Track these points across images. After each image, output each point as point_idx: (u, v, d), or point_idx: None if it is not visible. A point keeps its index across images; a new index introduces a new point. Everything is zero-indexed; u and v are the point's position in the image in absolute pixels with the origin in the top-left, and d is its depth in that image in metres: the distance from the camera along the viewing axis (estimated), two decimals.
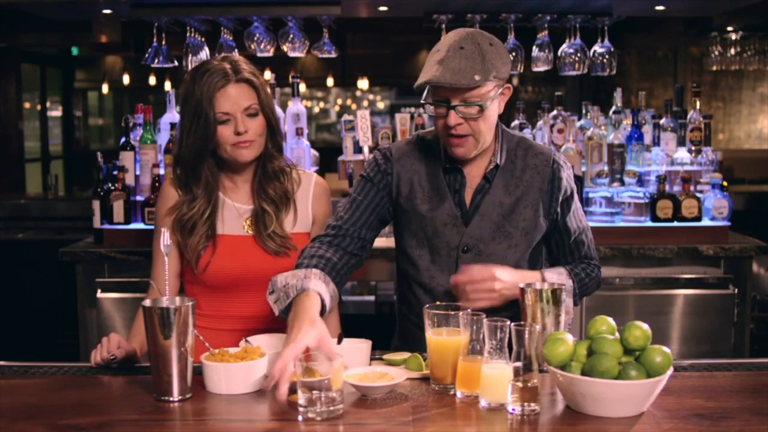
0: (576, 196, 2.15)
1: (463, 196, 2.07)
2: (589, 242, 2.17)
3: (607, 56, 3.86)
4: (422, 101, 1.99)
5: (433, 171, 2.08)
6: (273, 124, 2.11)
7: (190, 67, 3.84)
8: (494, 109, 1.99)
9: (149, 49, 3.88)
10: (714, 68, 7.44)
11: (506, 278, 1.95)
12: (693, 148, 3.65)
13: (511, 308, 2.01)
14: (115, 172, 3.56)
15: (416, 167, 2.09)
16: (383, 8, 3.99)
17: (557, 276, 2.05)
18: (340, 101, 10.84)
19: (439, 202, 2.06)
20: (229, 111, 2.03)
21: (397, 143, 2.17)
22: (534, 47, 3.90)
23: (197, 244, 2.09)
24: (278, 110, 3.43)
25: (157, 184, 3.49)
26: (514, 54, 3.82)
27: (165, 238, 1.82)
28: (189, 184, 2.12)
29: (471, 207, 2.07)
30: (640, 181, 3.59)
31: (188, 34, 3.90)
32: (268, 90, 2.13)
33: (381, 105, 10.82)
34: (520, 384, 1.57)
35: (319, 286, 1.86)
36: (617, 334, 1.65)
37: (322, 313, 1.84)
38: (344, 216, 2.07)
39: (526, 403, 1.57)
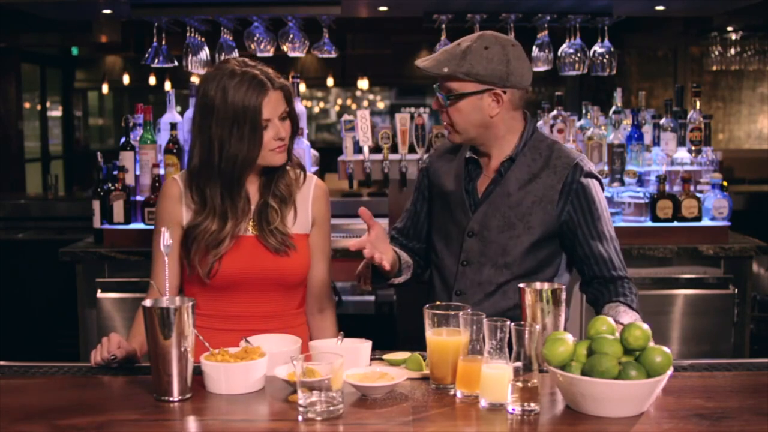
0: (599, 205, 2.14)
1: (476, 185, 2.20)
2: (618, 260, 2.14)
3: (607, 56, 3.86)
4: (435, 85, 2.19)
5: (459, 160, 2.24)
6: (297, 126, 2.14)
7: (190, 67, 3.85)
8: (472, 106, 2.10)
9: (149, 49, 3.87)
10: (714, 68, 7.43)
11: None
12: (693, 148, 3.65)
13: (512, 308, 2.02)
14: (115, 172, 3.56)
15: (449, 158, 2.30)
16: (383, 8, 3.99)
17: (628, 317, 1.99)
18: (340, 101, 10.85)
19: (457, 188, 2.22)
20: (269, 117, 2.04)
21: (444, 141, 2.41)
22: (534, 47, 3.90)
23: (216, 254, 2.07)
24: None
25: (157, 184, 3.49)
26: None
27: (165, 238, 1.82)
28: (232, 196, 2.06)
29: (482, 195, 2.19)
30: (640, 181, 3.59)
31: (188, 34, 3.89)
32: None
33: (381, 105, 10.83)
34: (520, 384, 1.57)
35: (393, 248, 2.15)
36: (617, 334, 1.65)
37: (399, 270, 2.17)
38: (399, 226, 2.39)
39: (526, 403, 1.57)
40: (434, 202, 2.30)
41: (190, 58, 3.85)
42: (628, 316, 2.01)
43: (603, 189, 2.20)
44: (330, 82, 9.37)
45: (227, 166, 2.03)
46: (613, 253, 2.14)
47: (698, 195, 3.54)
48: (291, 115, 2.11)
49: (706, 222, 3.54)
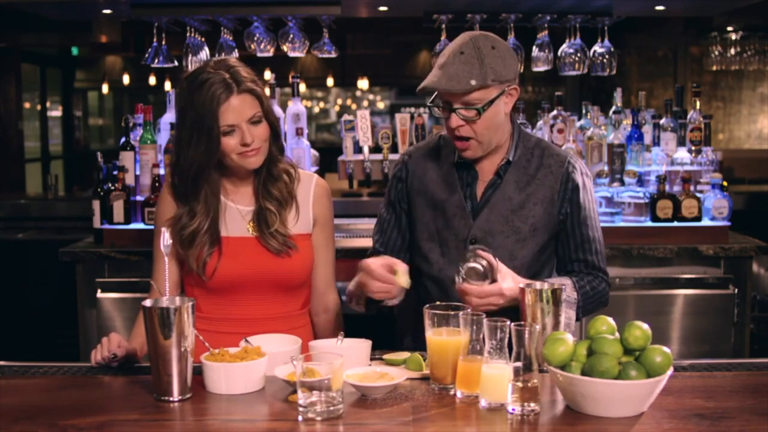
0: (589, 204, 2.15)
1: (475, 190, 2.15)
2: (597, 253, 2.15)
3: (607, 56, 3.86)
4: (428, 104, 2.09)
5: (446, 166, 2.17)
6: (275, 128, 2.09)
7: (190, 67, 3.84)
8: (497, 110, 2.05)
9: (149, 49, 3.88)
10: (714, 68, 7.43)
11: (512, 292, 1.94)
12: (693, 148, 3.65)
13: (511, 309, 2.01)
14: (115, 172, 3.56)
15: (430, 163, 2.20)
16: (383, 8, 3.99)
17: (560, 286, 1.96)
18: (340, 101, 10.84)
19: (450, 194, 2.14)
20: (234, 123, 1.99)
21: (418, 144, 2.33)
22: (534, 47, 3.90)
23: (200, 253, 2.07)
24: (278, 110, 3.44)
25: (157, 184, 3.49)
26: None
27: (165, 239, 1.82)
28: (187, 197, 2.08)
29: (481, 200, 2.14)
30: (640, 181, 3.59)
31: (188, 34, 3.89)
32: (268, 93, 2.12)
33: (381, 105, 10.83)
34: (520, 384, 1.57)
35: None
36: (617, 334, 1.65)
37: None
38: (381, 239, 2.26)
39: (526, 403, 1.57)
40: (419, 210, 2.20)
41: (190, 58, 3.85)
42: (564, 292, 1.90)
43: (591, 184, 2.21)
44: (330, 82, 9.37)
45: (184, 170, 2.05)
46: (600, 254, 2.15)
47: (698, 195, 3.54)
48: (267, 118, 2.05)
49: (706, 222, 3.54)
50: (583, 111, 3.79)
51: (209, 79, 1.99)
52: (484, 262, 1.92)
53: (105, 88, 9.68)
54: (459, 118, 2.02)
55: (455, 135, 2.06)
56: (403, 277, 1.93)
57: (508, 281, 1.94)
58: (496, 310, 1.93)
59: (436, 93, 2.06)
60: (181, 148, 2.05)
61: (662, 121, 3.67)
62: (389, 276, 1.93)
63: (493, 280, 1.92)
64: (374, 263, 1.94)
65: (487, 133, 2.05)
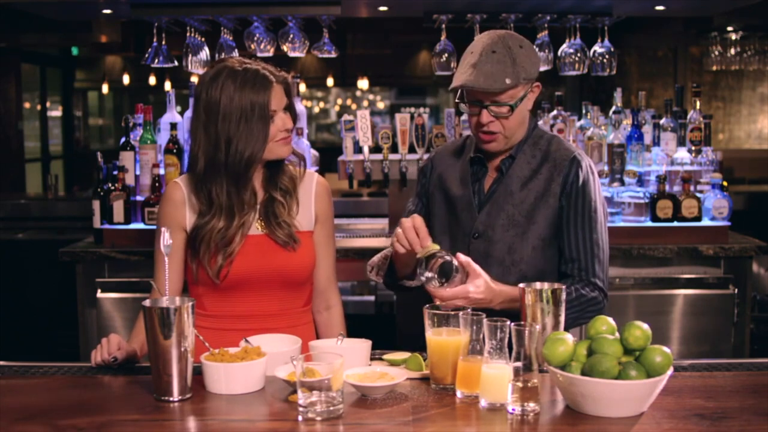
0: (591, 203, 2.12)
1: (483, 185, 2.20)
2: (595, 257, 2.11)
3: (607, 56, 3.86)
4: (457, 100, 2.15)
5: (463, 162, 2.23)
6: (295, 119, 2.16)
7: (190, 67, 3.85)
8: (525, 106, 2.12)
9: (149, 49, 3.88)
10: (714, 68, 7.43)
11: (480, 295, 1.92)
12: (693, 148, 3.65)
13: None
14: (115, 172, 3.56)
15: (451, 160, 2.27)
16: (383, 8, 3.99)
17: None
18: (340, 101, 10.85)
19: (463, 189, 2.20)
20: (275, 109, 2.06)
21: (447, 142, 2.42)
22: (534, 47, 3.89)
23: (227, 253, 2.05)
24: (300, 107, 3.54)
25: (157, 184, 3.49)
26: None
27: (165, 239, 1.82)
28: (239, 191, 2.06)
29: (486, 194, 2.18)
30: (640, 181, 3.59)
31: (188, 34, 3.89)
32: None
33: (381, 105, 10.83)
34: (520, 384, 1.57)
35: None
36: (617, 334, 1.65)
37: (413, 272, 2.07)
38: None
39: (526, 403, 1.57)
40: (437, 205, 2.26)
41: (190, 58, 3.85)
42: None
43: (599, 185, 2.18)
44: (330, 82, 9.37)
45: (234, 161, 2.03)
46: (598, 260, 2.11)
47: (698, 195, 3.54)
48: (290, 108, 2.12)
49: (706, 222, 3.54)
50: (583, 111, 3.79)
51: (245, 71, 2.03)
52: (455, 261, 1.91)
53: (105, 88, 9.69)
54: (490, 115, 2.08)
55: (483, 130, 2.11)
56: (433, 244, 1.93)
57: (479, 284, 1.92)
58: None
59: (461, 90, 2.10)
60: (222, 145, 2.02)
61: (662, 121, 3.67)
62: (425, 231, 1.94)
63: (464, 279, 1.92)
64: (418, 218, 1.96)
65: (514, 128, 2.12)
